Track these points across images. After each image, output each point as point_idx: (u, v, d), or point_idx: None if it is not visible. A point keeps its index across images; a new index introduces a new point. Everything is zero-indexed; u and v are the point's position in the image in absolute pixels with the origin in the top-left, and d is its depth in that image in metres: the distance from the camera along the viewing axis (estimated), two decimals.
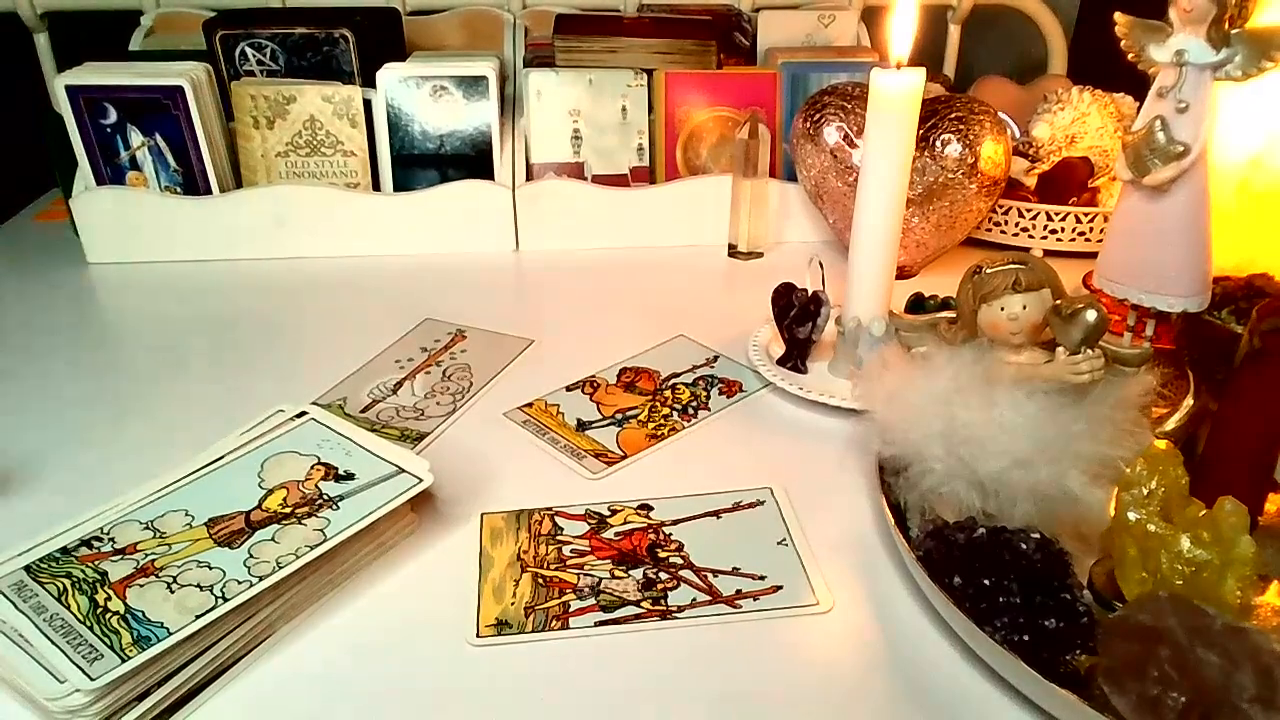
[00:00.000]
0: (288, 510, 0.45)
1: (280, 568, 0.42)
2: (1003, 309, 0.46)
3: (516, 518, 0.50)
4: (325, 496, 0.46)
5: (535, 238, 0.83)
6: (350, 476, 0.47)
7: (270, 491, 0.46)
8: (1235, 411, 0.48)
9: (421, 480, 0.47)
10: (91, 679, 0.36)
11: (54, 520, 0.45)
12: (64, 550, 0.43)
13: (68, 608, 0.40)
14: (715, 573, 0.46)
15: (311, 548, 0.43)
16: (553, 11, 0.95)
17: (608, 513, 0.50)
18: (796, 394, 0.60)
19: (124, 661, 0.37)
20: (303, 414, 0.52)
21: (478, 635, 0.43)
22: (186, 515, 0.45)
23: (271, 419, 0.52)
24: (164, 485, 0.47)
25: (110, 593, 0.40)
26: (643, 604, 0.44)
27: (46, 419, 0.59)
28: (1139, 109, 0.53)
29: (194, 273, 0.79)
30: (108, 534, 0.44)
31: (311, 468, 0.48)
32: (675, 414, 0.60)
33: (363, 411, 0.59)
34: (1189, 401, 0.54)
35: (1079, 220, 0.79)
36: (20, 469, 0.54)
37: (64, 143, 0.77)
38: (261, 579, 0.41)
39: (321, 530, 0.44)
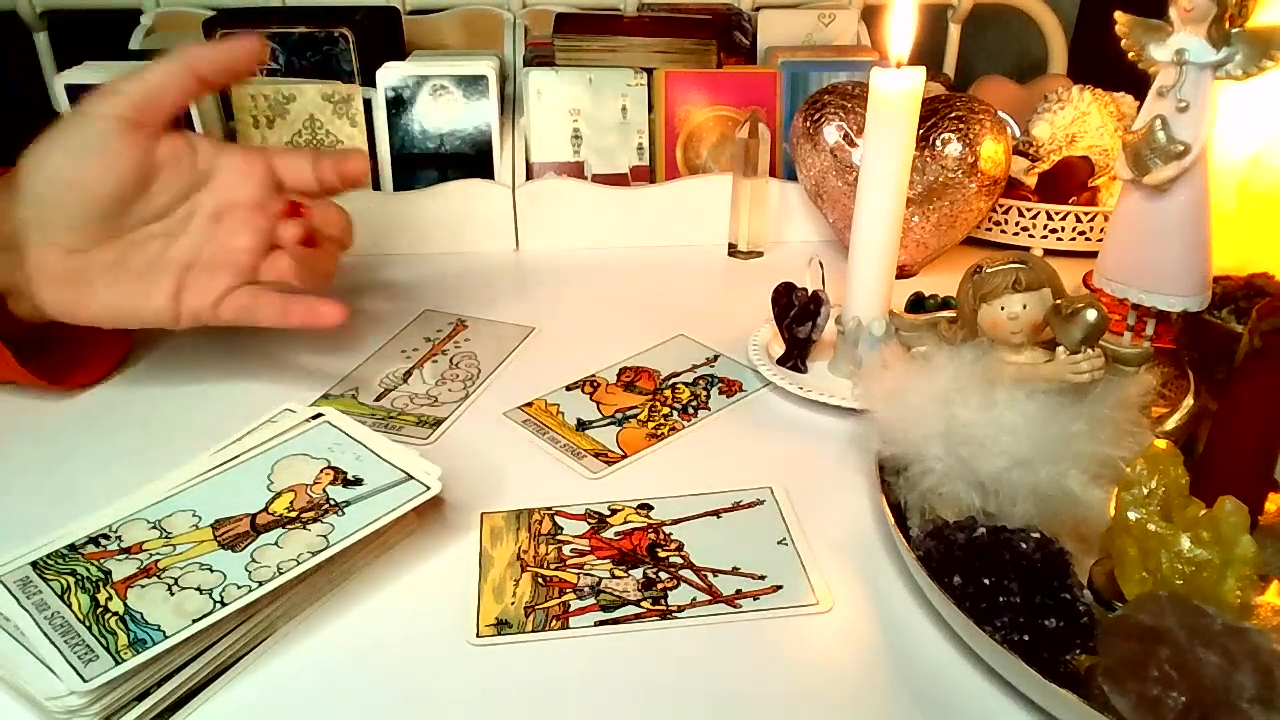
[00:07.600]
0: (293, 515, 0.45)
1: (281, 573, 0.42)
2: (1003, 308, 0.46)
3: (516, 517, 0.50)
4: (332, 502, 0.46)
5: (535, 237, 0.83)
6: (359, 482, 0.47)
7: (278, 495, 0.46)
8: (1235, 411, 0.48)
9: (429, 489, 0.46)
10: (85, 680, 0.36)
11: (53, 518, 0.45)
12: (72, 546, 0.43)
13: (69, 606, 0.40)
14: (715, 572, 0.46)
15: (314, 554, 0.43)
16: (553, 11, 0.95)
17: (608, 512, 0.50)
18: (796, 394, 0.60)
19: (118, 664, 0.37)
20: (318, 415, 0.52)
21: (478, 635, 0.43)
22: (194, 516, 0.45)
23: (280, 419, 0.52)
24: (175, 485, 0.47)
25: (111, 592, 0.40)
26: (643, 604, 0.44)
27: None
28: (1139, 108, 0.53)
29: None
30: (115, 532, 0.44)
31: (321, 471, 0.48)
32: (675, 413, 0.60)
33: (377, 400, 0.60)
34: (1189, 401, 0.54)
35: (1079, 220, 0.79)
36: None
37: None
38: (261, 584, 0.41)
39: (325, 536, 0.44)
